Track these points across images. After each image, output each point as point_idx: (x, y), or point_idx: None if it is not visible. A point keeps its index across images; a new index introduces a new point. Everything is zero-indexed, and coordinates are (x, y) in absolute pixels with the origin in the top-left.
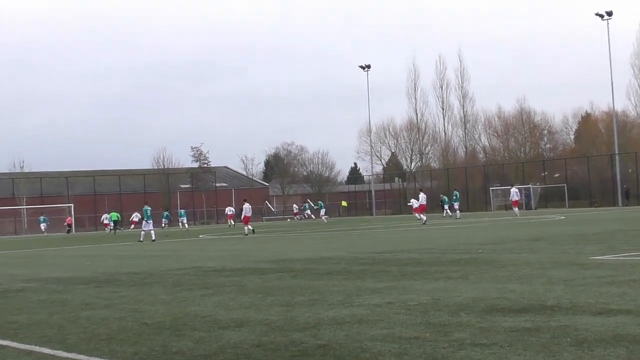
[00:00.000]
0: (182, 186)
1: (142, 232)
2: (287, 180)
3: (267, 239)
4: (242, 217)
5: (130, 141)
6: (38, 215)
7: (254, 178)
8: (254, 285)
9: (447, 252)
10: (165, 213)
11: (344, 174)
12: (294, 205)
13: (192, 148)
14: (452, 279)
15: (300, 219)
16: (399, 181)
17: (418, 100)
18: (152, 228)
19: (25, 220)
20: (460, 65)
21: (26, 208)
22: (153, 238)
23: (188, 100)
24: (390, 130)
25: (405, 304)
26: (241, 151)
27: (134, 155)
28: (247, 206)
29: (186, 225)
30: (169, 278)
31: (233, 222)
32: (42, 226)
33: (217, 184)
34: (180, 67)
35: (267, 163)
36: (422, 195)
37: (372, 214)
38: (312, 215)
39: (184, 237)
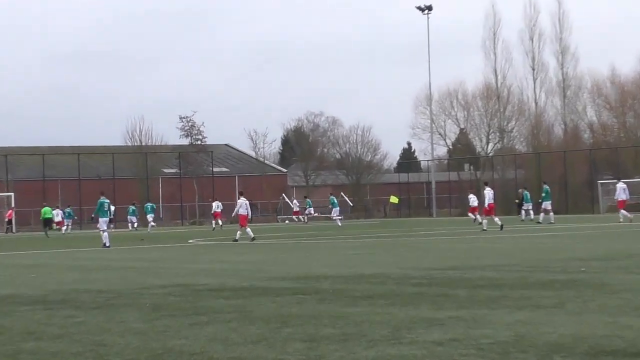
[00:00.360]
0: (166, 170)
1: (105, 234)
2: (313, 165)
3: (285, 247)
4: (234, 215)
5: (94, 111)
6: None
7: (266, 161)
8: (265, 312)
9: (536, 270)
10: (132, 207)
11: (392, 158)
12: (295, 201)
13: (181, 118)
14: (543, 307)
15: (306, 221)
16: (470, 169)
17: (499, 56)
18: (105, 228)
19: None
20: (559, 9)
21: None
22: (105, 243)
23: (176, 58)
24: (459, 98)
25: (477, 341)
26: (249, 124)
27: (99, 128)
28: (242, 202)
29: (151, 224)
30: (145, 299)
31: (221, 223)
32: None
33: (215, 169)
34: (168, 14)
35: (285, 141)
36: (488, 191)
37: (431, 215)
38: (307, 216)
39: (168, 241)
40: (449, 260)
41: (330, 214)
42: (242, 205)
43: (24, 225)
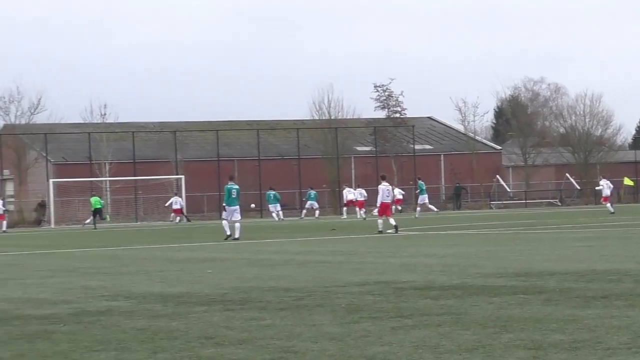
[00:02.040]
0: (360, 148)
1: (231, 223)
2: (532, 141)
3: (501, 238)
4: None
5: (275, 79)
6: (127, 193)
7: (477, 137)
8: (481, 314)
9: None
10: (312, 192)
11: (627, 133)
12: (360, 190)
13: (375, 87)
14: None
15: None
16: None
17: None
18: (239, 218)
19: (109, 198)
20: None
21: (109, 181)
22: (229, 233)
23: (371, 16)
24: None
25: None
26: (456, 93)
27: (280, 99)
28: (384, 188)
29: (317, 212)
30: (340, 299)
31: (364, 214)
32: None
33: (417, 146)
34: None
35: (499, 113)
36: None
37: None
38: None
39: (363, 231)
40: None
41: (417, 200)
42: (384, 192)
43: (196, 212)
